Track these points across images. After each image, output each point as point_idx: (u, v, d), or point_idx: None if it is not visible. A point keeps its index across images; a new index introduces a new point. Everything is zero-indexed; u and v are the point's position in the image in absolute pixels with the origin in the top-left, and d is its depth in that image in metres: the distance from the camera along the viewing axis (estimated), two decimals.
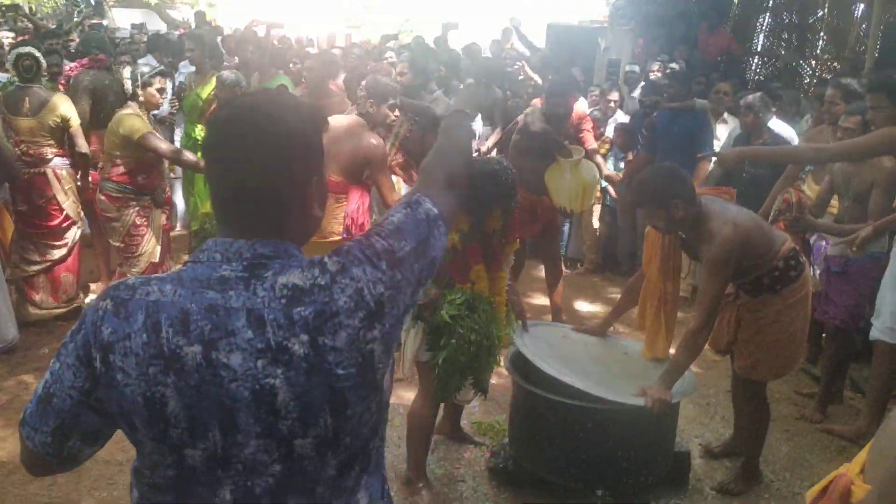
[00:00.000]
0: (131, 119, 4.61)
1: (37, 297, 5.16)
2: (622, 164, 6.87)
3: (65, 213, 5.12)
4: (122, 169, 4.73)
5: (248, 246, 1.28)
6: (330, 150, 4.40)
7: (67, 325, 5.03)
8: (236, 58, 7.55)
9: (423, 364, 3.40)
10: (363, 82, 4.48)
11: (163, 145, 4.81)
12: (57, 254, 5.17)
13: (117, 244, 4.90)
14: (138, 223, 4.82)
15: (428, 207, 1.43)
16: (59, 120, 5.01)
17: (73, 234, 5.25)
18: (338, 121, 4.45)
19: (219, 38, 9.78)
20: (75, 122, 5.11)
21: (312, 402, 1.24)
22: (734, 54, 9.98)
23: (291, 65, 7.28)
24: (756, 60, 11.05)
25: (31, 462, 1.36)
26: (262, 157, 1.26)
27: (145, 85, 4.77)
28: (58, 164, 5.11)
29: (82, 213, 5.34)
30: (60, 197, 5.08)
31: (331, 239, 4.08)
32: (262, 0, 35.63)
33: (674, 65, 7.97)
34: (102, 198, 4.80)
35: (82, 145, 5.15)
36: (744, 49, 10.67)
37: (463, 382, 3.31)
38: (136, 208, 4.82)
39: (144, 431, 1.25)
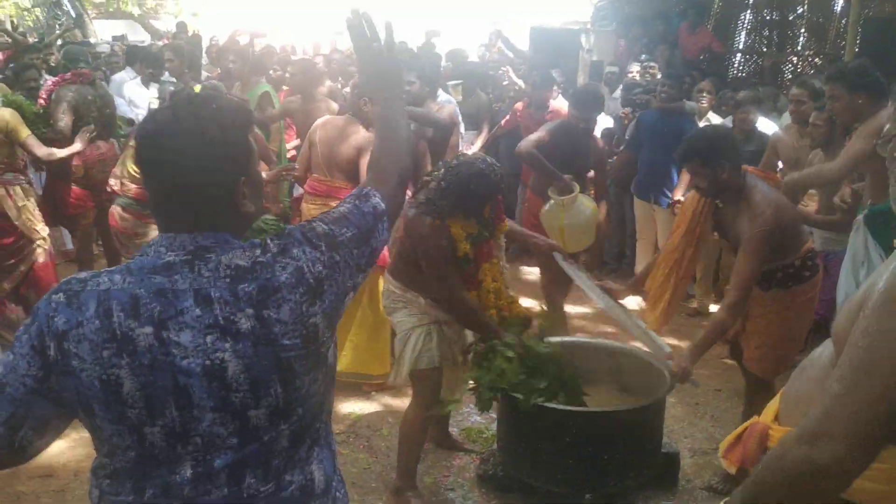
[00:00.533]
0: None
1: (13, 317, 4.97)
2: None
3: (18, 230, 4.91)
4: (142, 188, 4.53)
5: (191, 239, 1.35)
6: (331, 154, 4.50)
7: None
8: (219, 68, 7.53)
9: (419, 371, 3.39)
10: (351, 82, 4.50)
11: None
12: (20, 271, 4.96)
13: None
14: None
15: (376, 202, 1.54)
16: (2, 135, 4.80)
17: (34, 252, 4.99)
18: (333, 123, 4.50)
19: (204, 48, 9.79)
20: (22, 133, 4.83)
21: (261, 373, 1.31)
22: (716, 52, 10.01)
23: (272, 72, 7.27)
24: (738, 58, 11.09)
25: None
26: (189, 161, 1.32)
27: None
28: (8, 180, 4.87)
29: (46, 231, 5.10)
30: (12, 214, 4.85)
31: None
32: (246, 10, 35.64)
33: (652, 64, 7.99)
34: (126, 215, 4.66)
35: (38, 152, 4.96)
36: (725, 47, 10.71)
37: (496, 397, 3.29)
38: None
39: (103, 415, 1.30)
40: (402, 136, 1.70)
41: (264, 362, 1.31)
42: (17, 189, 4.93)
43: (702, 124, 6.30)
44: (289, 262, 1.35)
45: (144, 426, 1.30)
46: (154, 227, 4.58)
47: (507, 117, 7.02)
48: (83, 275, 1.36)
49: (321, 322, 1.37)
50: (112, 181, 4.74)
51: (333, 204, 1.65)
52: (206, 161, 1.33)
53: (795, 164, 4.87)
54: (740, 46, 11.15)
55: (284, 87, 6.78)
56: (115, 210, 4.71)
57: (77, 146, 5.19)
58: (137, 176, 4.39)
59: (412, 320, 3.42)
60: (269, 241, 1.38)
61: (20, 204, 4.91)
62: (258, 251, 1.36)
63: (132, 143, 4.45)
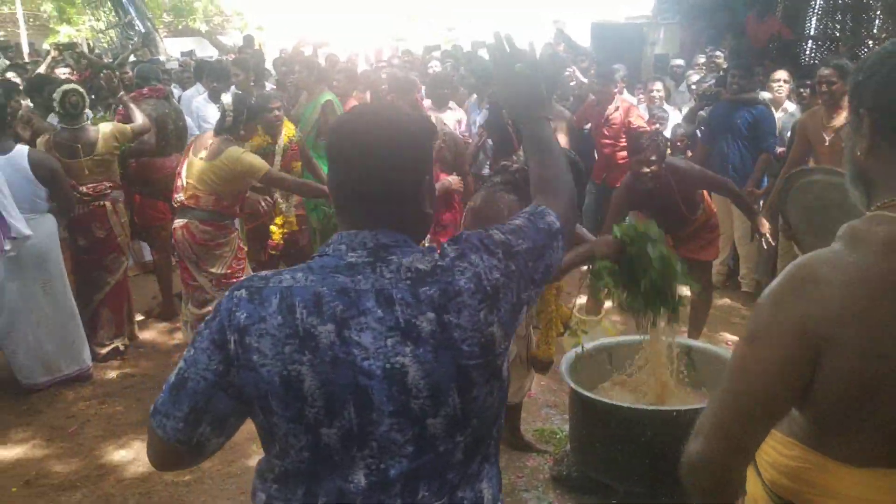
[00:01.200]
0: (249, 157, 4.41)
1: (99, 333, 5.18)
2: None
3: (118, 245, 5.16)
4: (223, 200, 4.54)
5: (371, 236, 1.35)
6: None
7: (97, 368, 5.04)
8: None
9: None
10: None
11: (288, 178, 4.84)
12: (109, 285, 5.15)
13: (221, 272, 4.62)
14: (242, 247, 4.83)
15: (552, 220, 1.51)
16: (109, 157, 5.05)
17: (123, 266, 5.25)
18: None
19: (270, 61, 10.00)
20: (129, 130, 5.18)
21: (441, 380, 1.29)
22: (786, 40, 9.71)
23: (335, 81, 7.37)
24: (810, 45, 10.73)
25: (160, 454, 1.38)
26: (385, 157, 1.35)
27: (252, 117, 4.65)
28: (115, 197, 5.14)
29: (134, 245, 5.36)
30: (117, 230, 5.11)
31: None
32: (309, 20, 36.32)
33: (718, 54, 7.81)
34: (207, 227, 4.54)
35: (139, 123, 5.24)
36: (796, 33, 10.38)
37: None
38: (237, 232, 4.82)
39: (281, 412, 1.29)
40: (559, 155, 1.67)
41: (444, 369, 1.29)
42: (121, 205, 5.18)
43: (779, 115, 6.15)
44: (467, 266, 1.34)
45: (321, 426, 1.29)
46: (233, 235, 4.71)
47: (576, 115, 6.93)
48: (264, 273, 1.38)
49: (498, 332, 1.34)
50: (178, 195, 4.64)
51: None
52: (400, 159, 1.36)
53: (830, 148, 4.80)
54: (811, 32, 10.78)
55: (354, 94, 6.84)
56: (192, 223, 4.56)
57: None
58: (214, 184, 4.44)
59: None
60: (446, 245, 1.39)
61: (123, 220, 5.16)
62: (437, 255, 1.36)
63: (201, 155, 4.50)
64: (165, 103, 5.82)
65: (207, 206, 4.52)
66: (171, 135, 5.65)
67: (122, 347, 5.23)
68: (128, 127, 5.19)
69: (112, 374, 5.02)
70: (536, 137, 1.66)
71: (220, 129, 4.51)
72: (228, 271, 4.65)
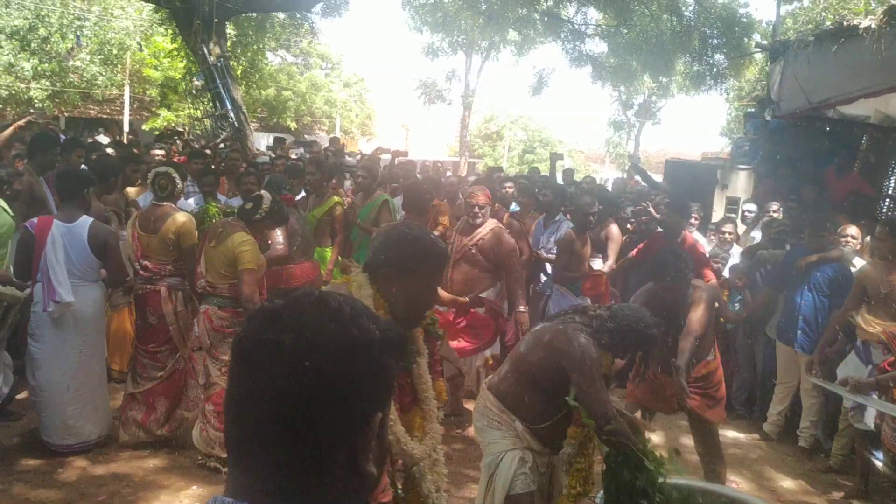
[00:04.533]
0: (247, 247, 4.52)
1: (129, 415, 5.02)
2: (737, 305, 6.62)
3: (171, 338, 5.03)
4: (234, 285, 4.58)
5: None
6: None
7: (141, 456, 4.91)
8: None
9: (514, 497, 3.28)
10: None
11: (254, 286, 4.74)
12: (157, 376, 5.02)
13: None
14: None
15: None
16: (173, 237, 4.94)
17: (171, 363, 5.05)
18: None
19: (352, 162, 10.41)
20: (187, 241, 4.97)
21: None
22: (865, 196, 9.60)
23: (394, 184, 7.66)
24: (888, 203, 10.58)
25: None
26: (290, 378, 0.93)
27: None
28: (172, 283, 5.03)
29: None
30: (169, 318, 4.97)
31: None
32: (395, 131, 37.80)
33: (794, 205, 7.77)
34: (224, 313, 4.58)
35: (191, 268, 4.96)
36: (876, 191, 10.26)
37: None
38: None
39: None
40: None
41: None
42: (179, 294, 5.06)
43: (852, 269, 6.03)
44: None
45: None
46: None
47: (641, 246, 6.91)
48: None
49: None
50: (200, 281, 4.68)
51: None
52: (316, 385, 0.93)
53: (884, 300, 4.95)
54: (890, 191, 10.64)
55: (435, 201, 6.99)
56: (211, 310, 4.59)
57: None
58: (225, 273, 4.54)
59: (506, 442, 3.34)
60: None
61: (178, 309, 5.04)
62: None
63: (212, 243, 4.62)
64: (294, 211, 5.88)
65: (224, 291, 4.60)
66: (299, 242, 5.74)
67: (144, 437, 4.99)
68: (188, 243, 4.99)
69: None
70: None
71: (242, 215, 4.69)
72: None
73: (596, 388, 3.14)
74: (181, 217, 5.03)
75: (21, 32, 22.86)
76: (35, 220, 4.70)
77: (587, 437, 3.34)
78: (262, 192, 4.95)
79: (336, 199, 6.58)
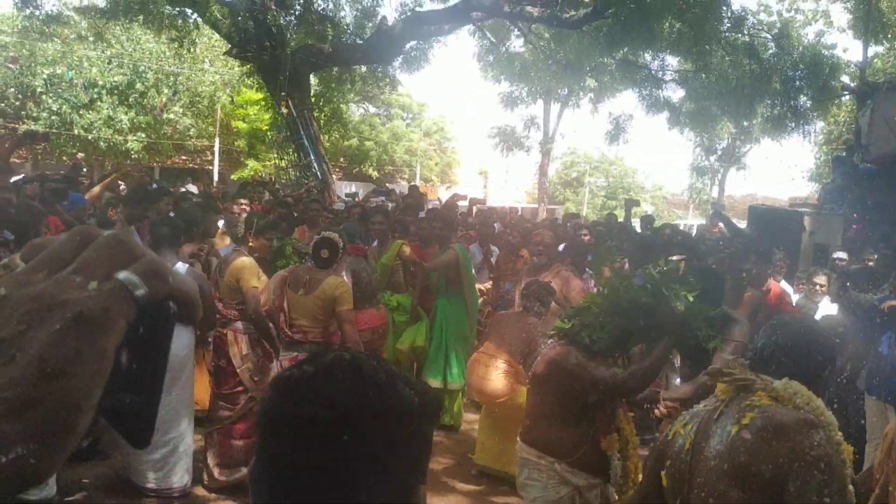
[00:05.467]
0: (344, 289, 4.82)
1: (209, 458, 5.11)
2: None
3: (239, 381, 5.13)
4: (329, 327, 4.86)
5: None
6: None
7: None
8: None
9: None
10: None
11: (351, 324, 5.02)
12: (229, 418, 5.11)
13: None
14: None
15: None
16: (234, 280, 5.05)
17: (240, 405, 5.11)
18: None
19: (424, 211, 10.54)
20: (251, 282, 5.03)
21: None
22: None
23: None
24: None
25: None
26: (328, 452, 0.90)
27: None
28: (238, 328, 5.11)
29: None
30: (235, 361, 5.08)
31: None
32: (473, 178, 38.15)
33: (886, 252, 7.42)
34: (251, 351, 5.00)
35: (251, 303, 5.01)
36: None
37: None
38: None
39: None
40: None
41: None
42: (245, 338, 5.15)
43: None
44: None
45: None
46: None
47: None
48: None
49: None
50: (286, 330, 4.86)
51: None
52: (357, 458, 0.90)
53: None
54: None
55: (521, 249, 7.02)
56: (301, 357, 4.83)
57: None
58: (321, 318, 4.76)
59: (549, 494, 3.37)
60: None
61: (244, 352, 5.15)
62: None
63: (300, 291, 4.78)
64: (363, 260, 6.03)
65: (317, 336, 4.75)
66: (365, 289, 5.81)
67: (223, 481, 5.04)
68: (251, 283, 5.04)
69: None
70: None
71: (319, 264, 4.87)
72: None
73: (592, 372, 3.20)
74: (245, 261, 5.16)
75: (120, 88, 24.29)
76: None
77: (623, 440, 3.38)
78: (331, 234, 5.07)
79: (400, 241, 6.71)
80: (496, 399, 5.16)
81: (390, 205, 10.59)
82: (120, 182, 10.08)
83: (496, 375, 5.10)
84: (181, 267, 4.87)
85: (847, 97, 16.59)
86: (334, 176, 19.26)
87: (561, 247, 6.75)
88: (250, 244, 5.73)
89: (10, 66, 23.28)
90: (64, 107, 23.60)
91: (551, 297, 5.27)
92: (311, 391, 0.91)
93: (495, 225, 9.55)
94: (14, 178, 7.79)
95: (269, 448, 0.94)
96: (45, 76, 23.40)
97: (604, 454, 3.33)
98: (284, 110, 14.71)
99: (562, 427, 3.34)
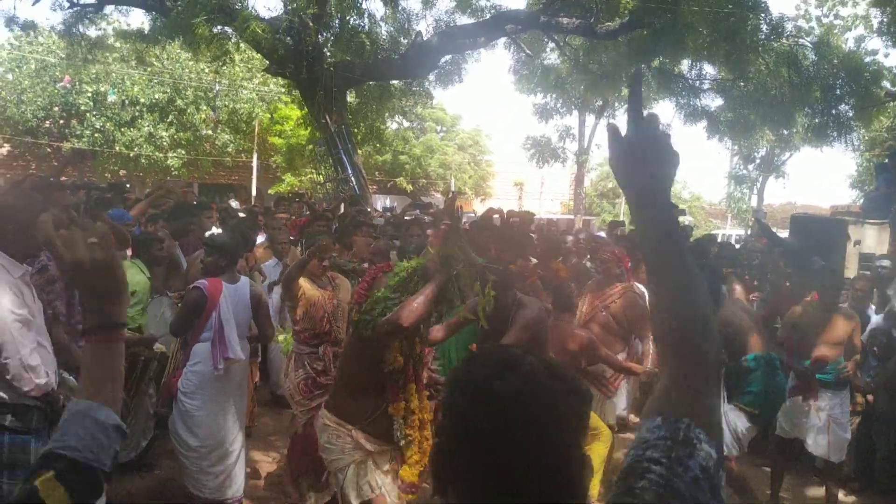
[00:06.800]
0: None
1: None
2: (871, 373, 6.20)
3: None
4: None
5: None
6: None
7: None
8: None
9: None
10: None
11: None
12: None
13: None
14: None
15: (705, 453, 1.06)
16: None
17: (296, 420, 5.37)
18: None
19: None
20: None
21: None
22: None
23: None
24: None
25: None
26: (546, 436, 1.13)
27: None
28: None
29: None
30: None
31: None
32: (508, 190, 38.15)
33: None
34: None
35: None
36: None
37: None
38: None
39: None
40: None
41: None
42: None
43: None
44: None
45: None
46: None
47: (765, 310, 6.65)
48: None
49: None
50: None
51: None
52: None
53: None
54: None
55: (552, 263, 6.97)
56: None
57: None
58: None
59: (345, 458, 3.80)
60: None
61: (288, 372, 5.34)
62: None
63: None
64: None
65: None
66: None
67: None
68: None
69: None
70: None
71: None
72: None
73: (380, 327, 3.66)
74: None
75: (160, 105, 24.79)
76: (205, 281, 4.84)
77: (408, 410, 3.80)
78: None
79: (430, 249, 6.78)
80: None
81: (427, 218, 10.66)
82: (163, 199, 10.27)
83: None
84: (245, 281, 5.01)
85: (891, 102, 16.29)
86: (369, 190, 19.42)
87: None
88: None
89: (66, 85, 23.90)
90: (107, 124, 24.16)
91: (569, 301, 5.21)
92: (506, 371, 1.16)
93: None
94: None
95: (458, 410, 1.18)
96: (89, 94, 23.97)
97: (391, 422, 3.82)
98: (324, 126, 14.89)
99: (361, 396, 3.81)
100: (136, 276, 5.62)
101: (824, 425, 5.56)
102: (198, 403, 4.75)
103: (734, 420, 5.18)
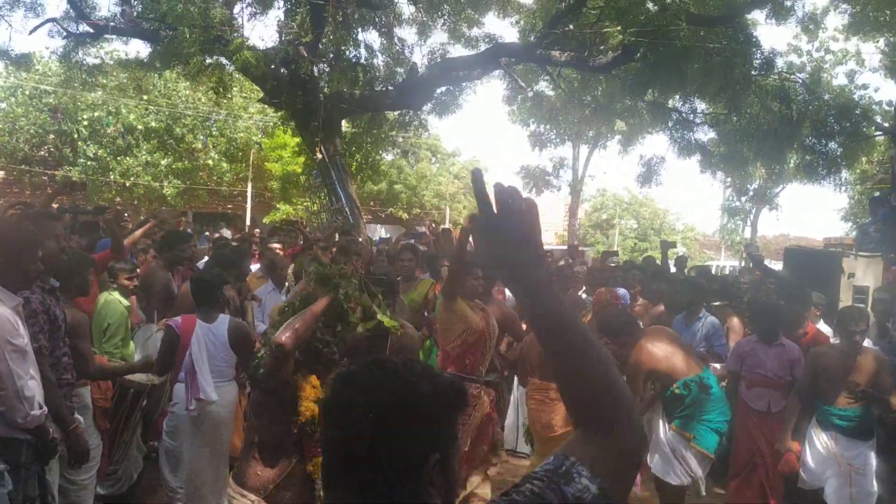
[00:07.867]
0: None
1: None
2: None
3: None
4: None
5: None
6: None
7: None
8: None
9: None
10: None
11: None
12: None
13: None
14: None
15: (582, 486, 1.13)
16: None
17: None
18: None
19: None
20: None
21: None
22: None
23: None
24: None
25: None
26: (369, 421, 1.17)
27: None
28: None
29: None
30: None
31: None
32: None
33: None
34: None
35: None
36: None
37: None
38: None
39: None
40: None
41: None
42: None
43: None
44: None
45: None
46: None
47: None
48: None
49: None
50: None
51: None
52: (395, 422, 1.18)
53: None
54: None
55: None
56: None
57: None
58: None
59: None
60: None
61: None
62: None
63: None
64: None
65: None
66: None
67: None
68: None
69: None
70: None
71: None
72: None
73: (268, 363, 3.48)
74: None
75: (158, 133, 24.81)
76: (179, 319, 4.80)
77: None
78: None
79: (431, 280, 6.74)
80: (547, 433, 5.02)
81: (422, 247, 10.64)
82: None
83: (553, 407, 4.96)
84: (223, 320, 4.87)
85: (881, 136, 16.41)
86: (364, 219, 19.41)
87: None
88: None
89: (58, 116, 23.87)
90: (101, 152, 24.13)
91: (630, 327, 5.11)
92: (350, 382, 1.23)
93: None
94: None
95: (326, 424, 1.26)
96: (85, 121, 23.95)
97: (310, 481, 3.50)
98: (319, 156, 14.90)
99: (270, 461, 3.45)
100: (114, 307, 5.32)
101: (845, 472, 5.22)
102: (177, 444, 4.72)
103: (687, 456, 5.03)
